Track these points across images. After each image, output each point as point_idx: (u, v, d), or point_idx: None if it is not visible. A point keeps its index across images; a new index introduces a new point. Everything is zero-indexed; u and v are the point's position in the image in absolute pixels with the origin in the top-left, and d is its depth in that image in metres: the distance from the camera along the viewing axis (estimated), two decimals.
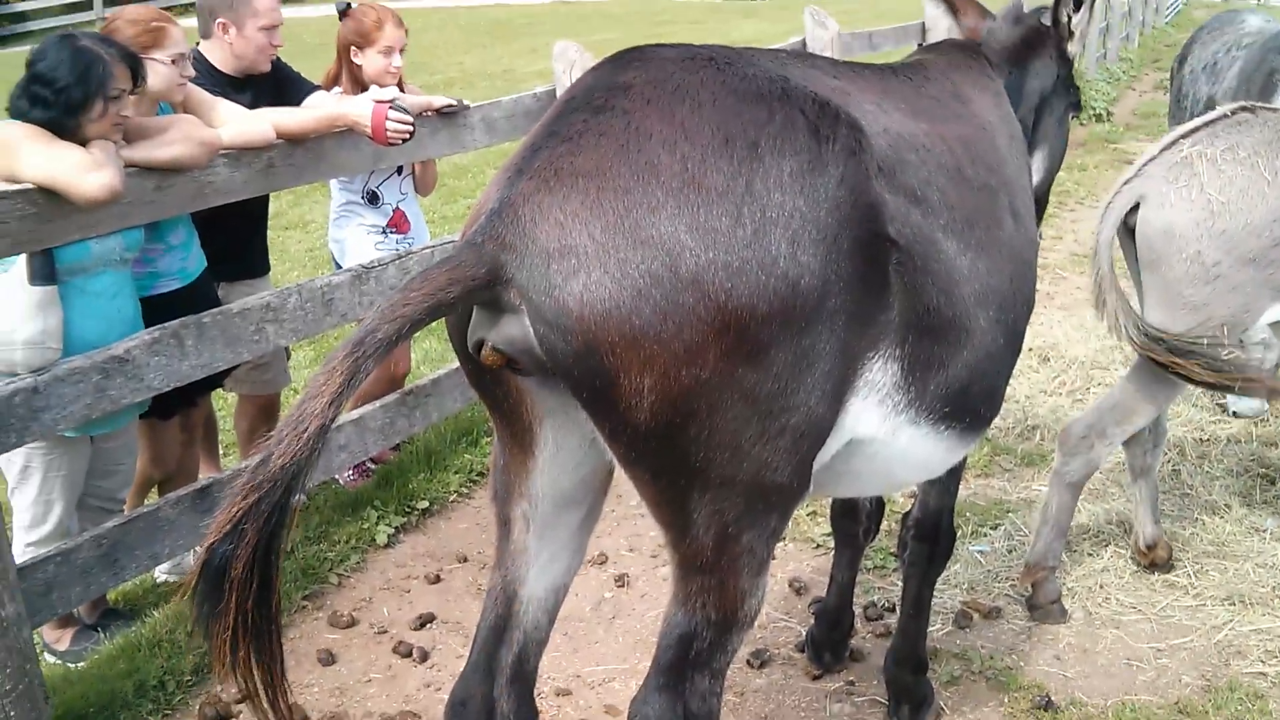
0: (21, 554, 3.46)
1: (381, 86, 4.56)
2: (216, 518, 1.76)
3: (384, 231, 4.90)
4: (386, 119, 4.04)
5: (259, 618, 1.80)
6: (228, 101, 3.98)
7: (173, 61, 3.75)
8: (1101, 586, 4.20)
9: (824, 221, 2.00)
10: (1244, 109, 3.84)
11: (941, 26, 3.48)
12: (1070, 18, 3.32)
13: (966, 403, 2.53)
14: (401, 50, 4.71)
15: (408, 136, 4.12)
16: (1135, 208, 3.79)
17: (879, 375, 2.25)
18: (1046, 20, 3.36)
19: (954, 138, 2.59)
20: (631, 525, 4.66)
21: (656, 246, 1.86)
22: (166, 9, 4.34)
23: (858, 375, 2.20)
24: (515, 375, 2.08)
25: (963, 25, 3.38)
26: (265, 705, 1.87)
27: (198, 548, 1.81)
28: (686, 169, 1.92)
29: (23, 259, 3.30)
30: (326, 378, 1.78)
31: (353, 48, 4.69)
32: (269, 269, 4.73)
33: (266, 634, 1.83)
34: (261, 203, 4.49)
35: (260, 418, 4.72)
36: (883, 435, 2.36)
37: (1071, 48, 3.38)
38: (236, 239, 4.38)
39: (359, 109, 4.10)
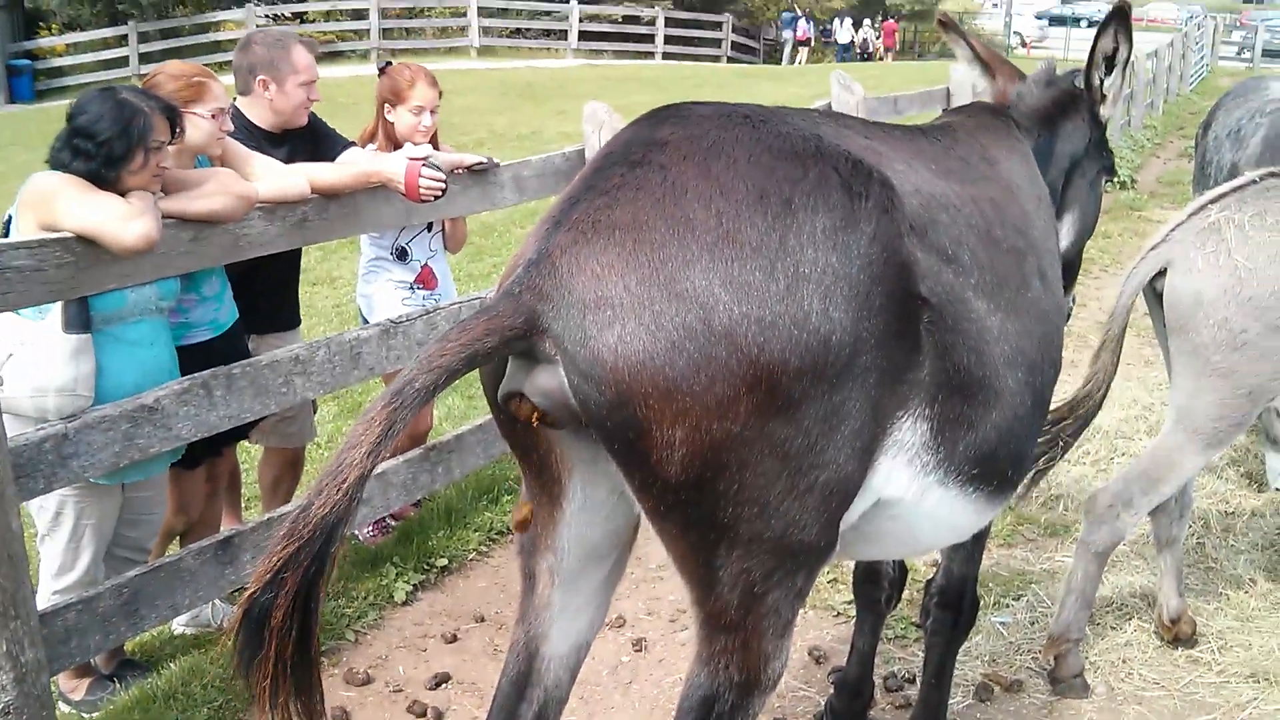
0: (46, 601, 3.47)
1: (413, 144, 4.63)
2: (257, 567, 1.78)
3: (412, 287, 4.95)
4: (420, 176, 4.10)
5: (299, 663, 1.81)
6: (264, 156, 4.05)
7: (213, 116, 3.83)
8: (1124, 661, 4.14)
9: (856, 278, 2.02)
10: (1272, 175, 3.85)
11: (966, 92, 3.51)
12: (1103, 80, 3.33)
13: (994, 465, 2.52)
14: (434, 110, 4.78)
15: (440, 193, 4.17)
16: (1162, 273, 3.80)
17: (908, 434, 2.26)
18: (1079, 83, 3.36)
19: (982, 199, 2.61)
20: (650, 589, 4.63)
21: (691, 300, 1.89)
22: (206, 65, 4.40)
23: (887, 434, 2.20)
24: (547, 429, 2.09)
25: (995, 86, 3.39)
26: None
27: (234, 595, 1.82)
28: (721, 224, 1.95)
29: (58, 307, 3.35)
30: (365, 428, 1.81)
31: (387, 105, 4.78)
32: (299, 322, 4.78)
33: (307, 679, 1.84)
34: (294, 256, 4.55)
35: (285, 470, 4.74)
36: (911, 496, 2.36)
37: (1104, 111, 3.38)
38: (269, 292, 4.43)
39: (393, 166, 4.16)
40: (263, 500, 4.88)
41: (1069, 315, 3.67)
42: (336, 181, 4.10)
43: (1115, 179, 3.54)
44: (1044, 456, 4.00)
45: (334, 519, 1.78)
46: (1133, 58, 3.36)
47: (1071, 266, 3.47)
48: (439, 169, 4.17)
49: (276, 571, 1.76)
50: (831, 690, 3.77)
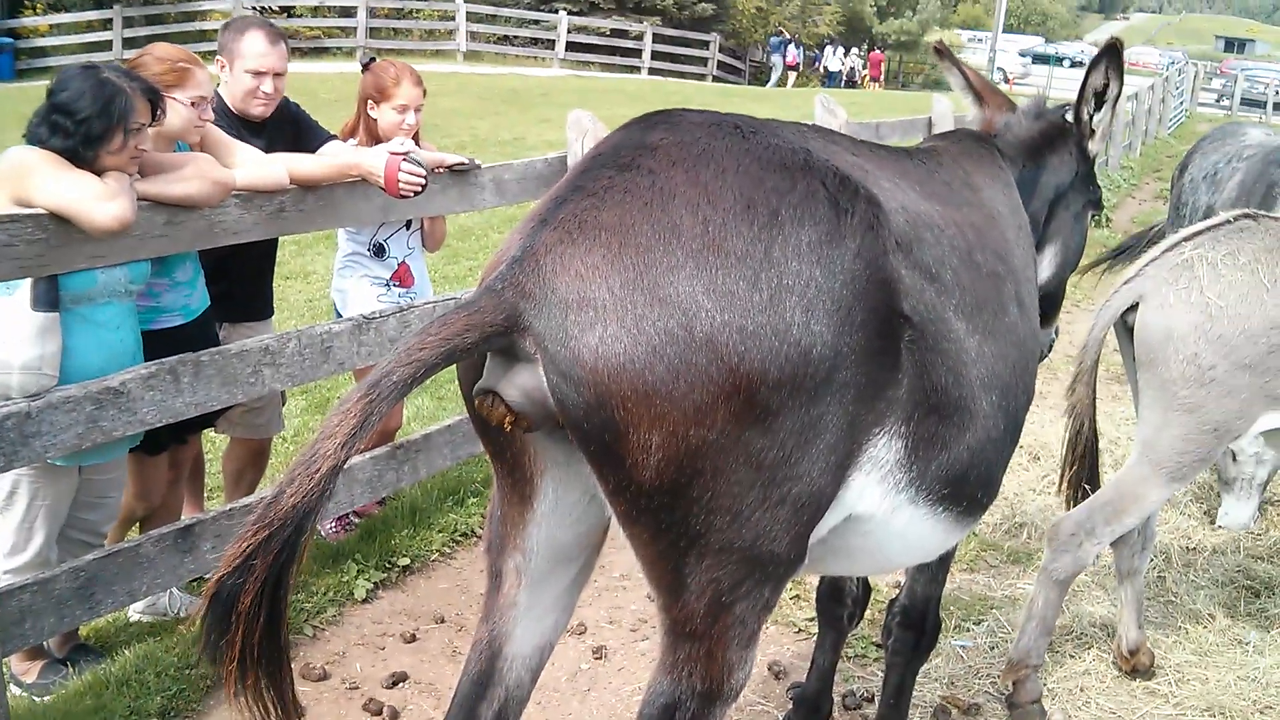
0: None
1: (380, 141, 4.61)
2: (226, 551, 1.77)
3: (388, 284, 4.92)
4: (400, 171, 4.08)
5: (268, 649, 1.81)
6: (245, 144, 4.02)
7: (192, 103, 3.79)
8: (1082, 689, 4.15)
9: (839, 293, 2.02)
10: (1246, 215, 3.90)
11: (948, 122, 3.53)
12: (1092, 116, 3.36)
13: (965, 487, 2.53)
14: (418, 109, 4.76)
15: (419, 189, 4.15)
16: (1134, 307, 3.83)
17: (883, 451, 2.25)
18: (1069, 117, 3.39)
19: (964, 223, 2.62)
20: (613, 597, 4.62)
21: (673, 305, 1.88)
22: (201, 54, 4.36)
23: (862, 450, 2.20)
24: (520, 431, 2.08)
25: (984, 115, 3.41)
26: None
27: (192, 585, 1.82)
28: (708, 231, 1.95)
29: (27, 284, 3.31)
30: (341, 418, 1.79)
31: (370, 101, 4.75)
32: (272, 313, 4.74)
33: (276, 665, 1.84)
34: (270, 246, 4.52)
35: (249, 461, 4.69)
36: (881, 513, 2.36)
37: (1092, 146, 3.40)
38: (243, 280, 4.40)
39: (373, 160, 4.14)
40: (225, 490, 4.83)
41: (1050, 347, 3.69)
42: (316, 173, 4.07)
43: (1101, 214, 3.55)
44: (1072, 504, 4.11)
45: (306, 508, 1.76)
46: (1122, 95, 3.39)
47: (1054, 298, 3.49)
48: (420, 165, 4.15)
49: (247, 557, 1.75)
50: (790, 706, 3.77)
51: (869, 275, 2.10)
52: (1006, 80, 43.38)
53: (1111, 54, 3.21)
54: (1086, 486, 4.13)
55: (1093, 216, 3.53)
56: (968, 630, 4.51)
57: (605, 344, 1.87)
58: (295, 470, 1.78)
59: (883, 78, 39.92)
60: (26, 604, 3.26)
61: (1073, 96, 3.42)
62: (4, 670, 3.38)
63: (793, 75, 36.03)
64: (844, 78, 38.30)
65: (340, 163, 4.16)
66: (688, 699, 2.14)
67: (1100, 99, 3.33)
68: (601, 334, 1.87)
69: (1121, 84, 3.29)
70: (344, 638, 4.25)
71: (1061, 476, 4.19)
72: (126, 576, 3.54)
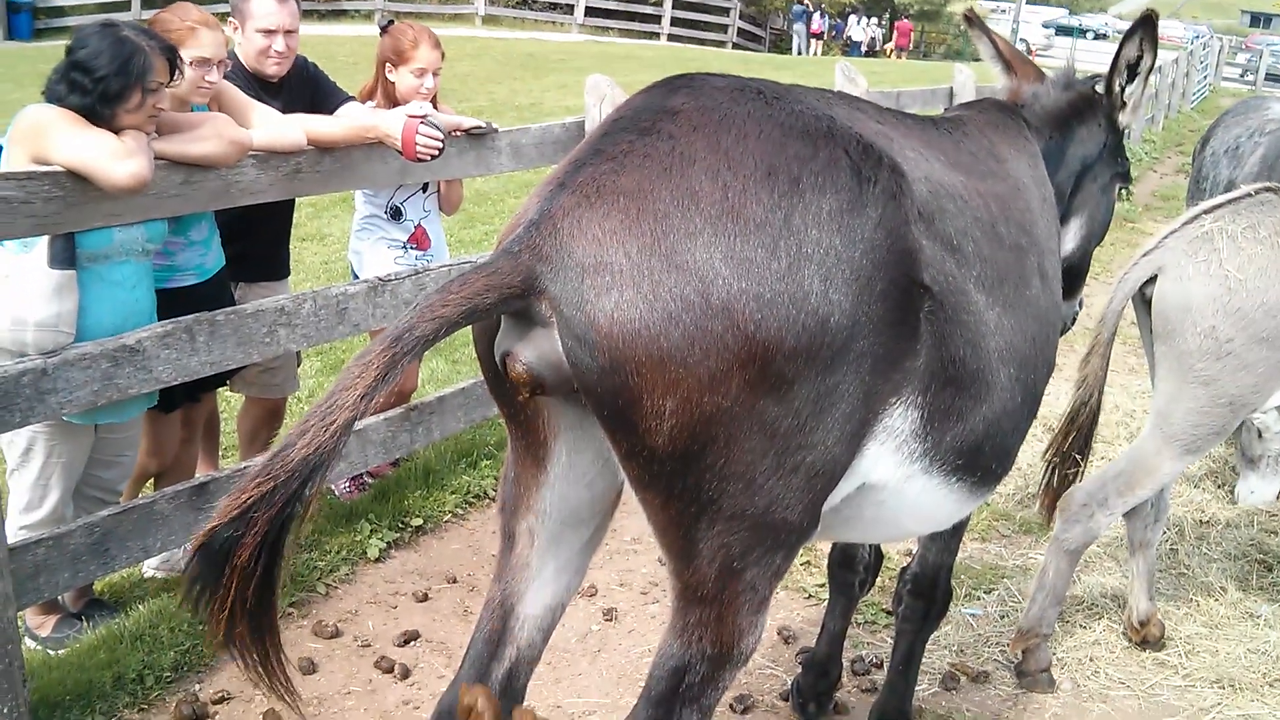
0: (13, 536, 3.44)
1: (398, 104, 4.60)
2: (222, 502, 1.74)
3: (404, 247, 4.91)
4: (417, 134, 4.07)
5: (258, 607, 1.78)
6: (263, 105, 4.00)
7: (192, 63, 3.75)
8: (1092, 659, 4.16)
9: (859, 262, 2.01)
10: (1268, 189, 3.86)
11: (970, 93, 3.49)
12: (1124, 87, 3.33)
13: (980, 458, 2.52)
14: (436, 73, 4.74)
15: (437, 153, 4.14)
16: (1153, 279, 3.80)
17: (899, 421, 2.24)
18: (1099, 88, 3.35)
19: (989, 194, 2.60)
20: (624, 560, 4.64)
21: (690, 272, 1.87)
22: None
23: (878, 420, 2.19)
24: (538, 395, 2.07)
25: (1012, 85, 3.37)
26: (263, 679, 1.86)
27: (194, 534, 1.78)
28: (727, 198, 1.93)
29: (44, 241, 3.32)
30: (361, 370, 1.78)
31: (388, 64, 4.73)
32: (289, 274, 4.75)
33: (264, 621, 1.81)
34: (288, 207, 4.52)
35: (264, 421, 4.71)
36: (895, 482, 2.35)
37: (1123, 118, 3.36)
38: (260, 241, 4.40)
39: (391, 122, 4.12)
40: (240, 450, 4.86)
41: (1074, 320, 3.67)
42: (333, 134, 4.06)
43: (1129, 187, 3.51)
44: (1056, 473, 4.09)
45: (316, 460, 1.74)
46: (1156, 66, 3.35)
47: (1078, 270, 3.46)
48: (437, 128, 4.14)
49: (246, 509, 1.72)
50: (799, 670, 3.78)
51: (890, 245, 2.08)
52: (1029, 51, 43.00)
53: (1146, 26, 3.17)
54: (1077, 456, 4.10)
55: (1120, 189, 3.49)
56: (978, 599, 4.52)
57: (621, 309, 1.86)
58: (309, 421, 1.76)
59: (910, 46, 39.59)
60: (41, 559, 3.29)
61: (1097, 69, 3.38)
62: (19, 624, 3.42)
63: (817, 44, 35.77)
64: (872, 47, 38.03)
65: (358, 125, 4.15)
66: (698, 662, 2.15)
67: (1133, 71, 3.29)
68: (617, 299, 1.86)
69: (1155, 56, 3.25)
70: (356, 596, 4.28)
71: (1051, 444, 4.16)
72: (141, 533, 3.56)
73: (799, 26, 36.10)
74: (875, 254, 2.04)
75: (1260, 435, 4.82)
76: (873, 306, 2.03)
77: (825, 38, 36.65)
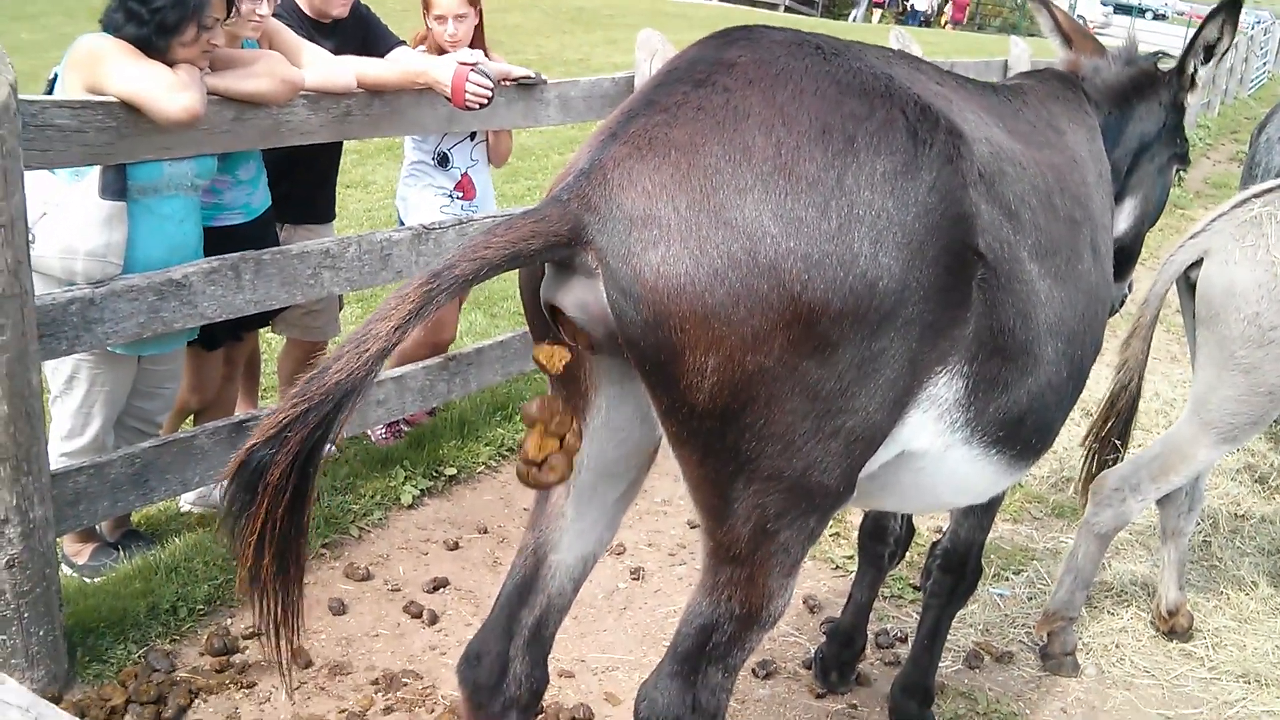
0: (55, 462, 3.49)
1: (445, 52, 4.58)
2: (262, 422, 1.75)
3: (450, 195, 4.91)
4: (467, 81, 4.05)
5: (288, 526, 1.78)
6: (314, 46, 4.00)
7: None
8: (1118, 646, 4.14)
9: (911, 226, 1.98)
10: None
11: (1024, 66, 3.44)
12: (1198, 69, 3.26)
13: (1021, 430, 2.49)
14: (458, 19, 4.62)
15: (486, 101, 4.12)
16: (1198, 263, 3.74)
17: (943, 390, 2.22)
18: (1164, 65, 3.28)
19: (1046, 164, 2.56)
20: (654, 521, 4.65)
21: (739, 229, 1.85)
22: None
23: (922, 388, 2.16)
24: (585, 350, 2.07)
25: (1071, 58, 3.32)
26: (274, 621, 1.86)
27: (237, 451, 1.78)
28: (780, 154, 1.90)
29: (96, 172, 3.34)
30: (398, 303, 1.77)
31: (423, 10, 4.72)
32: (334, 217, 4.76)
33: (293, 545, 1.81)
34: (335, 150, 4.52)
35: (303, 363, 4.73)
36: (935, 451, 2.33)
37: (1190, 99, 3.31)
38: (306, 183, 4.42)
39: (441, 68, 4.11)
40: (280, 391, 4.89)
41: (1122, 302, 3.62)
42: (383, 78, 4.05)
43: (1186, 169, 3.44)
44: (1095, 459, 4.09)
45: (349, 386, 1.73)
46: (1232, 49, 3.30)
47: (1129, 251, 3.42)
48: (488, 76, 4.11)
49: (281, 428, 1.72)
50: (824, 639, 3.79)
51: (944, 210, 2.05)
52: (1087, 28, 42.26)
53: (1231, 9, 3.11)
54: (1116, 442, 4.06)
55: (1178, 171, 3.43)
56: (1007, 580, 4.51)
57: (667, 264, 1.84)
58: (345, 348, 1.76)
59: (965, 19, 39.13)
60: (82, 486, 3.34)
61: (1156, 47, 3.32)
62: (57, 550, 3.47)
63: (878, 12, 35.41)
64: (928, 17, 37.64)
65: (409, 69, 4.14)
66: (726, 622, 2.15)
67: (1210, 53, 3.23)
68: (664, 253, 1.85)
69: (1234, 40, 3.19)
70: (388, 541, 4.32)
71: (1091, 429, 4.12)
72: (180, 466, 3.61)
73: None
74: (928, 218, 2.01)
75: None
76: (923, 272, 2.00)
77: (885, 5, 36.23)
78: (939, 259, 2.03)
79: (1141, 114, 3.25)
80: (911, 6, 37.95)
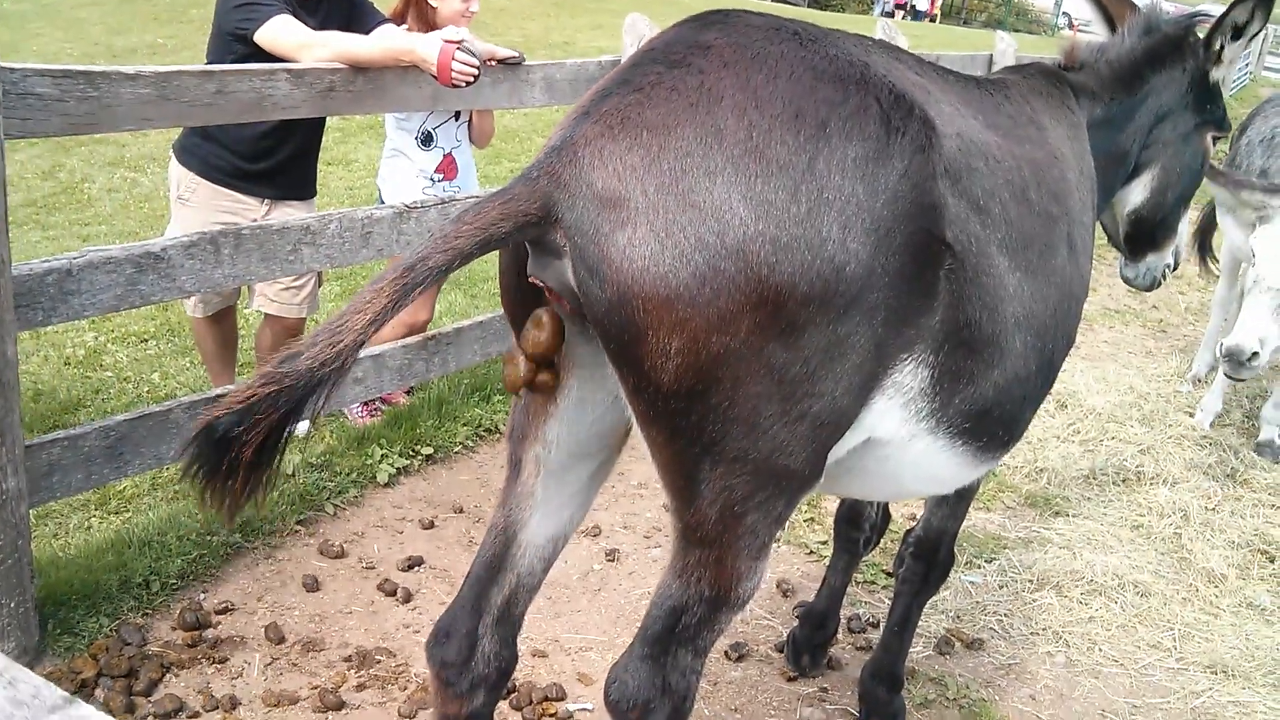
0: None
1: (433, 29, 4.57)
2: (230, 394, 1.74)
3: (432, 178, 4.90)
4: (453, 60, 4.03)
5: (252, 487, 1.80)
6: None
7: None
8: (1087, 635, 4.18)
9: (880, 213, 1.98)
10: None
11: (1009, 60, 3.41)
12: (1224, 46, 3.25)
13: (988, 423, 2.50)
14: None
15: (471, 80, 4.11)
16: None
17: (908, 378, 2.22)
18: (1195, 32, 3.26)
19: (1023, 158, 2.56)
20: (629, 503, 4.66)
21: (708, 211, 1.85)
22: None
23: (887, 374, 2.16)
24: (568, 318, 2.08)
25: (1069, 46, 3.28)
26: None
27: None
28: (751, 137, 1.90)
29: None
30: (373, 296, 1.78)
31: None
32: (314, 194, 4.74)
33: (257, 491, 1.82)
34: (317, 125, 4.50)
35: (282, 337, 4.73)
36: (900, 439, 2.34)
37: (1216, 72, 3.29)
38: (289, 158, 4.39)
39: (427, 46, 4.09)
40: (257, 366, 4.88)
41: (1165, 275, 3.63)
42: (369, 55, 4.03)
43: (1224, 134, 3.38)
44: None
45: (321, 375, 1.74)
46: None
47: (1149, 224, 3.41)
48: (473, 54, 4.10)
49: (249, 407, 1.72)
50: (796, 622, 3.81)
51: (913, 198, 2.05)
52: (1071, 25, 42.33)
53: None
54: None
55: (1214, 138, 3.38)
56: (979, 567, 4.54)
57: (633, 245, 1.84)
58: (319, 336, 1.76)
59: (938, 13, 39.37)
60: (55, 458, 3.32)
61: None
62: (30, 521, 3.46)
63: (899, 14, 35.78)
64: (933, 16, 38.06)
65: (394, 46, 4.11)
66: (695, 604, 2.16)
67: (1238, 33, 3.22)
68: (631, 235, 1.84)
69: (1264, 25, 3.18)
70: (364, 519, 4.32)
71: None
72: (155, 439, 3.59)
73: None
74: (898, 205, 2.01)
75: (1253, 262, 4.86)
76: (890, 259, 2.00)
77: (905, 7, 36.81)
78: (906, 246, 2.03)
79: (1159, 85, 3.23)
80: (914, 7, 38.23)
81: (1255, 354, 4.80)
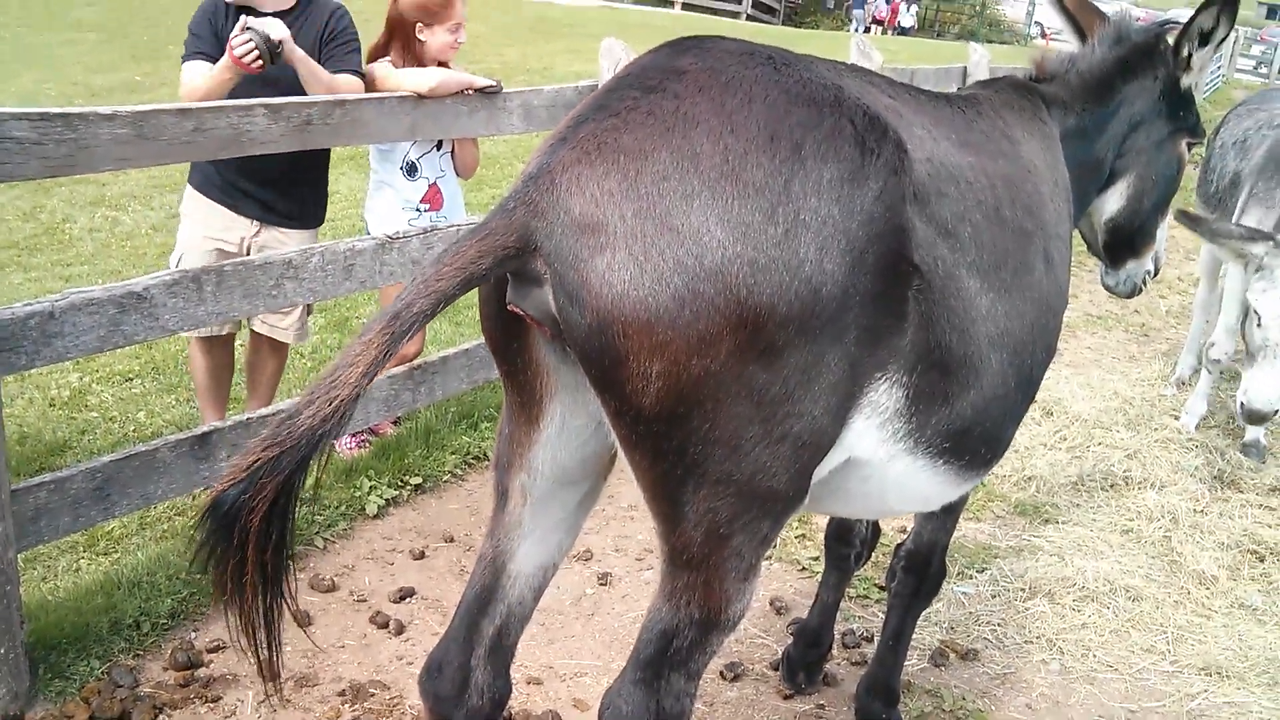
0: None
1: (443, 63, 4.60)
2: (233, 463, 1.77)
3: (417, 209, 4.92)
4: (229, 42, 3.99)
5: (273, 567, 1.83)
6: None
7: None
8: (1081, 642, 4.19)
9: (855, 234, 2.00)
10: None
11: (983, 73, 3.44)
12: (1192, 52, 3.29)
13: (967, 442, 2.51)
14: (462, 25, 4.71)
15: (254, 56, 3.98)
16: None
17: (884, 398, 2.23)
18: (1165, 40, 3.30)
19: (997, 175, 2.58)
20: (620, 526, 4.66)
21: (685, 235, 1.86)
22: None
23: (864, 393, 2.18)
24: (541, 345, 2.09)
25: (1038, 57, 3.32)
26: (257, 649, 1.89)
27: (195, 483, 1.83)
28: (727, 161, 1.92)
29: None
30: (363, 349, 1.80)
31: (419, 25, 4.69)
32: (317, 224, 4.71)
33: (278, 580, 1.86)
34: (315, 153, 4.48)
35: (268, 354, 4.73)
36: (879, 459, 2.35)
37: (1186, 79, 3.33)
38: (281, 179, 4.42)
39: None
40: (246, 379, 4.90)
41: (1145, 282, 3.66)
42: (206, 87, 4.07)
43: (1199, 141, 3.42)
44: None
45: (321, 432, 1.77)
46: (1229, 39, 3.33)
47: (1126, 231, 3.45)
48: (256, 30, 3.97)
49: (253, 474, 1.75)
50: (790, 640, 3.81)
51: (887, 219, 2.07)
52: (1044, 35, 42.68)
53: (1228, 2, 3.16)
54: None
55: (1189, 144, 3.42)
56: (971, 578, 4.55)
57: (612, 270, 1.85)
58: (315, 393, 1.78)
59: (898, 25, 39.73)
60: (42, 502, 3.30)
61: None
62: (18, 566, 3.44)
63: (877, 29, 35.95)
64: (883, 26, 38.29)
65: (214, 68, 4.10)
66: (686, 627, 2.16)
67: (1205, 39, 3.26)
68: (609, 260, 1.85)
69: (1230, 30, 3.22)
70: (354, 551, 4.31)
71: None
72: (142, 480, 3.57)
73: (858, 12, 36.34)
74: (872, 226, 2.03)
75: (1259, 323, 4.88)
76: (864, 279, 2.01)
77: (887, 24, 37.03)
78: (877, 267, 2.05)
79: (1131, 94, 3.26)
80: (900, 24, 38.60)
81: (1277, 411, 4.93)
